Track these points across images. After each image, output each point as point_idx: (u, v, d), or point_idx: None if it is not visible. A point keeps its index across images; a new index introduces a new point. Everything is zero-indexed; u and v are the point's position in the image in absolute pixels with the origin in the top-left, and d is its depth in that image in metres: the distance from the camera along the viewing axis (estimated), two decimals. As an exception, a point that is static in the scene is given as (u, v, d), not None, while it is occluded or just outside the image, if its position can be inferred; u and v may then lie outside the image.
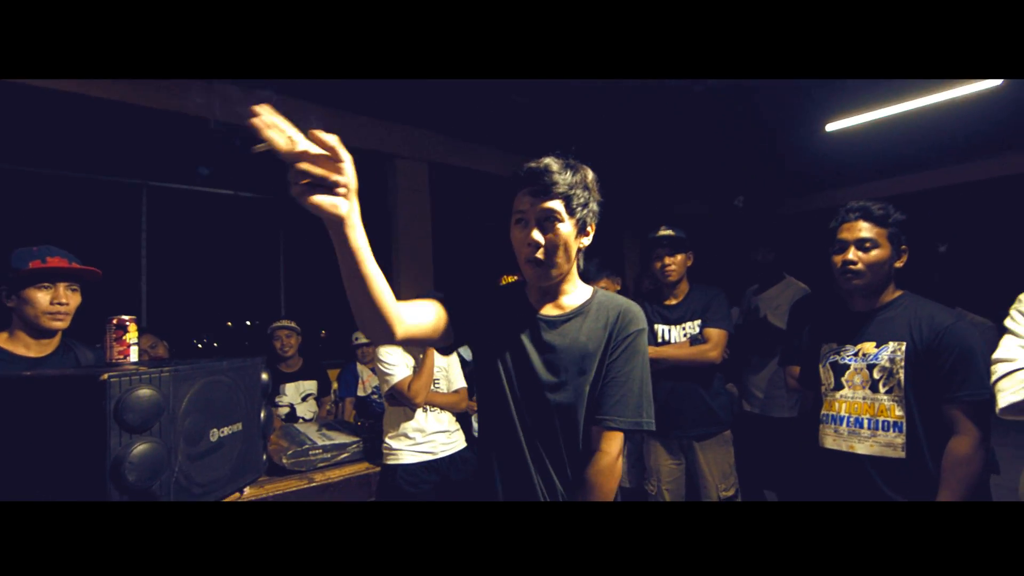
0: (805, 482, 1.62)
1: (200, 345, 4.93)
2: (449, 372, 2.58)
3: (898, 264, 1.49)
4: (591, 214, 1.13)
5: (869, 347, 1.47)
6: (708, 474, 2.31)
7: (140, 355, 1.61)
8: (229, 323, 4.95)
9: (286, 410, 3.35)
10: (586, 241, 1.15)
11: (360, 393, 3.85)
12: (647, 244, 2.43)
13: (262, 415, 1.71)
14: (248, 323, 4.64)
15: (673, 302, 2.43)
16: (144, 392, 1.25)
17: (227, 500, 1.64)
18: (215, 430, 1.44)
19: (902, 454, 1.38)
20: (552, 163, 1.08)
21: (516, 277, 2.93)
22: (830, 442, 1.50)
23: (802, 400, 1.89)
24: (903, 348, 1.41)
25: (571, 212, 1.08)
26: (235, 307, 4.36)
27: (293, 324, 3.44)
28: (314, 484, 2.20)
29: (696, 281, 2.46)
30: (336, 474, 2.32)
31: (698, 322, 2.36)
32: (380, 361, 2.41)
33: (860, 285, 1.47)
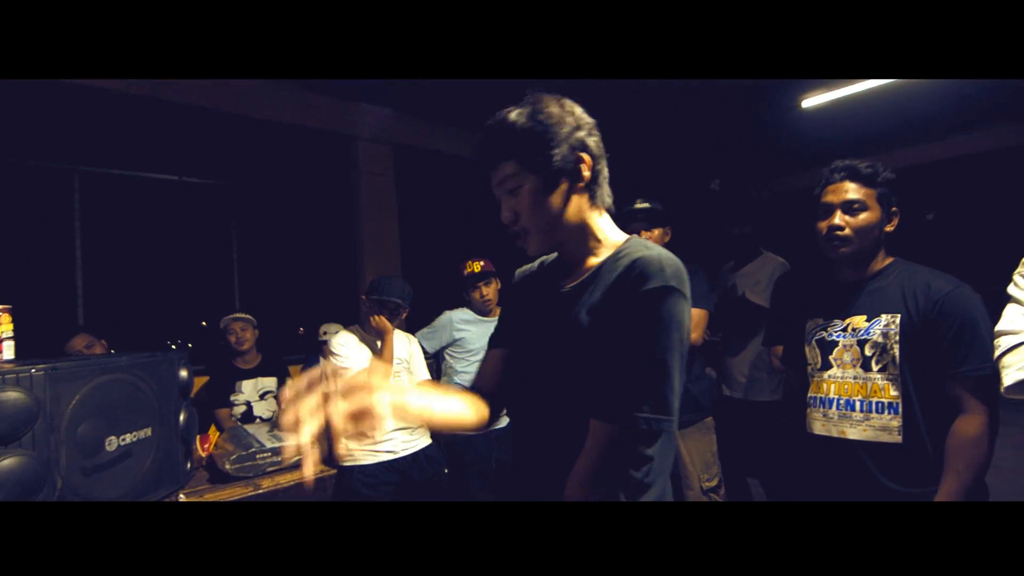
0: (792, 471, 1.47)
1: (174, 347, 4.65)
2: (411, 363, 2.40)
3: (888, 228, 1.35)
4: (567, 148, 0.88)
5: (859, 321, 1.32)
6: (690, 464, 2.18)
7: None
8: (204, 323, 4.68)
9: (242, 409, 3.14)
10: (580, 182, 0.90)
11: (324, 389, 3.66)
12: (621, 218, 2.26)
13: (181, 417, 1.51)
14: (204, 323, 4.37)
15: (648, 281, 2.27)
16: (9, 395, 1.04)
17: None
18: (114, 438, 1.24)
19: (898, 438, 1.23)
20: (492, 122, 0.90)
21: (481, 263, 2.77)
22: (819, 427, 1.35)
23: (785, 382, 1.75)
24: (897, 320, 1.26)
25: (529, 166, 0.87)
26: (185, 303, 4.09)
27: (248, 316, 3.22)
28: (261, 491, 2.00)
29: None
30: (286, 479, 2.12)
31: (675, 302, 2.20)
32: (333, 354, 2.22)
33: (848, 252, 1.33)
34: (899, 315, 1.26)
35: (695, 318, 2.15)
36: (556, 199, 0.89)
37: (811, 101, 4.63)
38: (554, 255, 1.06)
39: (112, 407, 1.24)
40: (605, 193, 0.96)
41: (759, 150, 6.06)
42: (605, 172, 0.95)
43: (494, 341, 1.09)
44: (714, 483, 2.20)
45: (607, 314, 0.85)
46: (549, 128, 0.87)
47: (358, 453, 2.16)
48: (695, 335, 2.13)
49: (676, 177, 6.26)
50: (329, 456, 2.25)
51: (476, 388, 1.06)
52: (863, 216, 1.31)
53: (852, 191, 1.31)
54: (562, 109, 0.90)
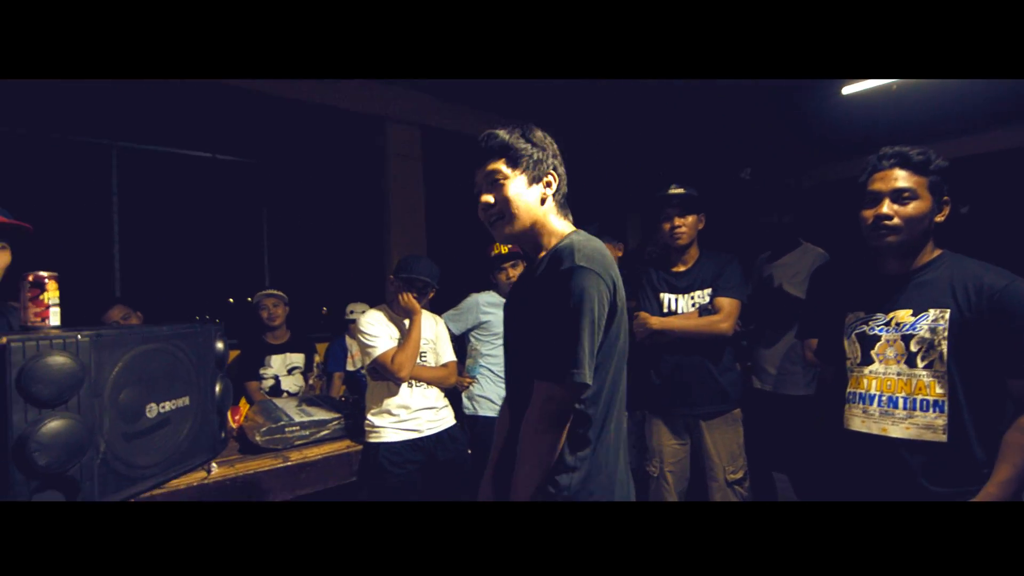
0: (825, 467, 1.44)
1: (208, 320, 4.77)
2: (437, 345, 2.41)
3: (939, 219, 1.28)
4: (545, 164, 1.14)
5: (904, 315, 1.27)
6: (715, 456, 2.15)
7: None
8: (231, 299, 4.78)
9: (271, 383, 3.21)
10: (549, 190, 1.15)
11: (349, 368, 3.71)
12: (655, 204, 2.22)
13: (217, 388, 1.55)
14: (231, 299, 4.45)
15: (681, 269, 2.24)
16: (57, 360, 1.07)
17: (192, 481, 1.48)
18: (154, 405, 1.27)
19: (943, 437, 1.18)
20: (491, 131, 1.13)
21: (508, 246, 2.76)
22: (858, 423, 1.30)
23: (820, 376, 1.70)
24: (946, 316, 1.21)
25: (514, 165, 1.11)
26: (216, 278, 4.17)
27: (280, 293, 3.29)
28: (289, 463, 2.04)
29: (707, 248, 2.26)
30: (314, 452, 2.16)
31: (708, 291, 2.17)
32: (362, 332, 2.24)
33: (895, 243, 1.26)
34: (948, 310, 1.21)
35: (728, 307, 2.11)
36: (529, 194, 1.12)
37: (852, 88, 4.46)
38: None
39: (153, 375, 1.27)
40: (561, 204, 1.19)
41: (799, 138, 5.88)
42: (564, 190, 1.19)
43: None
44: (739, 475, 2.17)
45: (541, 293, 1.06)
46: (536, 144, 1.14)
47: (383, 430, 2.18)
48: (727, 324, 2.10)
49: (712, 166, 6.13)
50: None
51: None
52: (913, 205, 1.25)
53: (902, 179, 1.25)
54: (547, 138, 1.16)
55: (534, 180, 1.12)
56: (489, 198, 1.12)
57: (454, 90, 4.25)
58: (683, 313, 2.19)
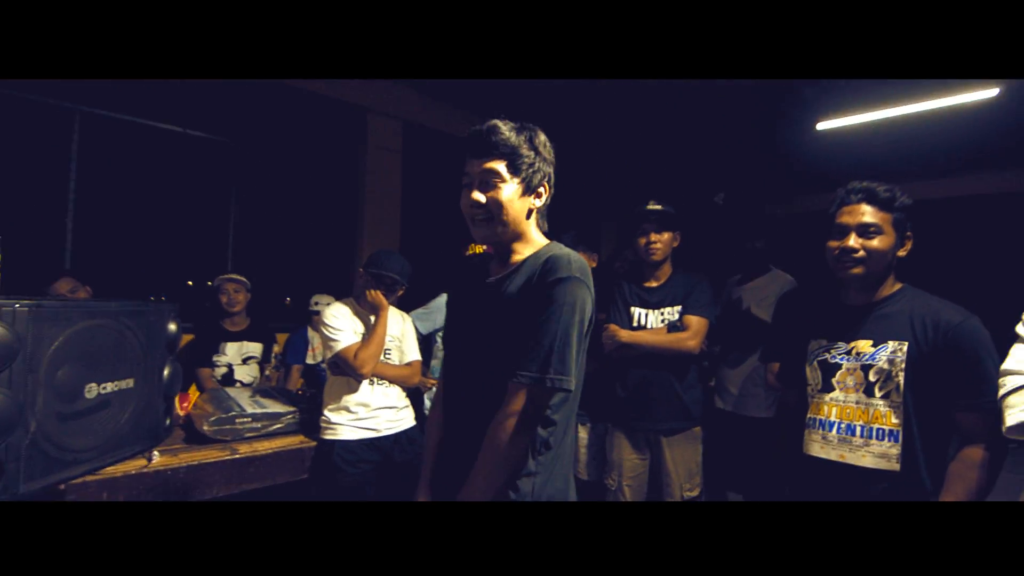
0: (784, 489, 1.46)
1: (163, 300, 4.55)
2: (403, 343, 2.36)
3: (901, 253, 1.33)
4: (541, 175, 1.12)
5: (864, 345, 1.30)
6: (673, 472, 2.16)
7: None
8: (190, 282, 4.58)
9: (224, 371, 3.08)
10: (538, 202, 1.14)
11: (309, 360, 3.61)
12: (632, 219, 2.23)
13: (166, 372, 1.46)
14: (190, 282, 4.27)
15: (653, 284, 2.25)
16: (-11, 330, 1.00)
17: (131, 469, 1.39)
18: (94, 385, 1.19)
19: (897, 466, 1.22)
20: (497, 124, 1.08)
21: (484, 247, 2.73)
22: (817, 449, 1.33)
23: (780, 400, 1.73)
24: (904, 348, 1.25)
25: (515, 171, 1.08)
26: (176, 258, 3.99)
27: (243, 278, 3.17)
28: (237, 456, 1.95)
29: (680, 266, 2.28)
30: (264, 447, 2.07)
31: (678, 308, 2.19)
32: (325, 325, 2.17)
33: (859, 275, 1.31)
34: (907, 343, 1.25)
35: (695, 325, 2.14)
36: (520, 203, 1.10)
37: (826, 124, 4.61)
38: (485, 255, 1.28)
39: (96, 353, 1.20)
40: (543, 215, 1.19)
41: (774, 168, 6.05)
42: (549, 202, 1.18)
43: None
44: (695, 493, 2.19)
45: (522, 298, 1.05)
46: (539, 154, 1.11)
47: (340, 427, 2.12)
48: (694, 342, 2.12)
49: (689, 188, 6.25)
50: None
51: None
52: (878, 240, 1.29)
53: (869, 214, 1.30)
54: (548, 146, 1.14)
55: (528, 190, 1.10)
56: (480, 197, 1.08)
57: (439, 87, 4.21)
58: (652, 328, 2.20)
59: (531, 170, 1.09)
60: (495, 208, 1.07)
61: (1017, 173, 5.56)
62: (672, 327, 2.17)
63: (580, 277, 1.02)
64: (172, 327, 1.46)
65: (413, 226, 4.40)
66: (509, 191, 1.08)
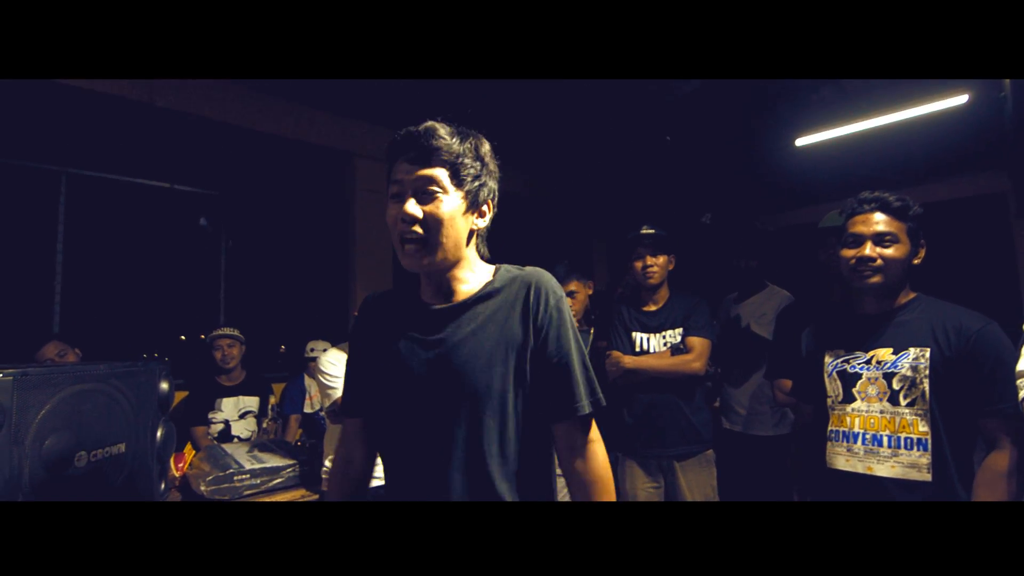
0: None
1: (154, 358, 4.44)
2: (402, 385, 2.30)
3: (916, 261, 1.32)
4: (487, 191, 0.97)
5: (884, 354, 1.28)
6: (689, 497, 2.09)
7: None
8: (183, 336, 4.50)
9: (220, 427, 2.99)
10: (481, 223, 0.98)
11: (307, 410, 3.52)
12: (627, 244, 2.23)
13: (159, 433, 1.40)
14: (183, 337, 4.19)
15: (652, 308, 2.23)
16: (-29, 401, 0.94)
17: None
18: (84, 453, 1.13)
19: (928, 476, 1.17)
20: (436, 126, 0.91)
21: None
22: (842, 462, 1.28)
23: (797, 416, 1.69)
24: (927, 355, 1.22)
25: (458, 183, 0.91)
26: (168, 314, 3.93)
27: (236, 332, 3.12)
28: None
29: (676, 288, 2.27)
30: (264, 502, 1.99)
31: (679, 330, 2.16)
32: (322, 372, 2.11)
33: (877, 284, 1.29)
34: (929, 349, 1.23)
35: (699, 347, 2.11)
36: (463, 222, 0.93)
37: (804, 140, 4.71)
38: (405, 287, 1.06)
39: (84, 419, 1.14)
40: (484, 239, 1.02)
41: (758, 185, 6.15)
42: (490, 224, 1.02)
43: (351, 410, 1.05)
44: (714, 520, 2.11)
45: (522, 328, 0.92)
46: (486, 165, 0.96)
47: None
48: (699, 364, 2.09)
49: (676, 210, 6.32)
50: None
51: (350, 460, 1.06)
52: (894, 248, 1.29)
53: (883, 223, 1.29)
54: (494, 159, 0.99)
55: (472, 207, 0.94)
56: (416, 210, 0.88)
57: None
58: (655, 352, 2.17)
59: (477, 183, 0.93)
60: (433, 226, 0.89)
61: (992, 175, 5.69)
62: (675, 350, 2.14)
63: (563, 294, 0.98)
64: (164, 386, 1.40)
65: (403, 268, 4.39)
66: (452, 205, 0.90)
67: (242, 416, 3.05)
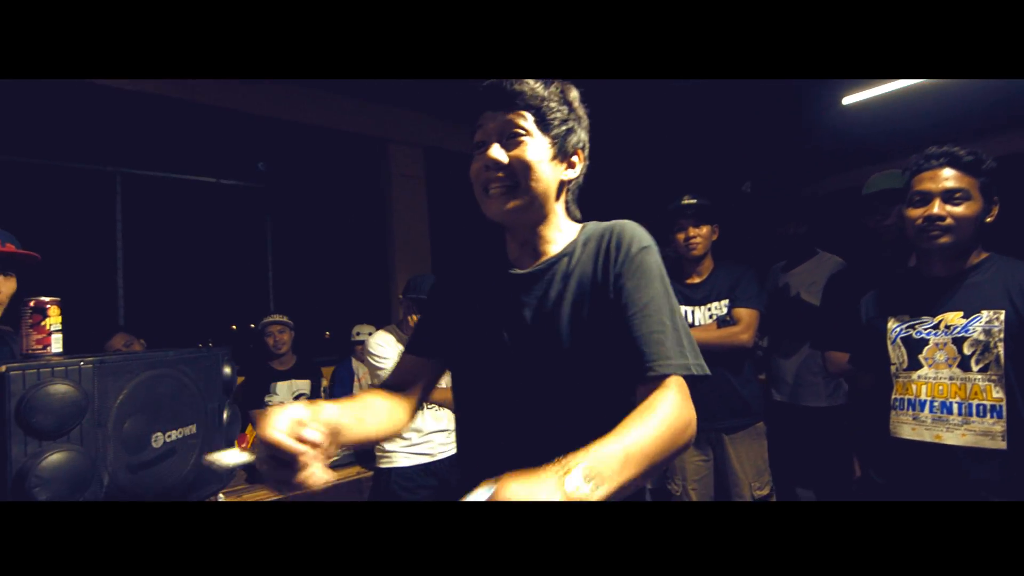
0: (867, 477, 1.36)
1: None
2: (448, 365, 2.34)
3: (989, 219, 1.24)
4: (576, 139, 0.89)
5: (954, 318, 1.21)
6: (740, 471, 2.07)
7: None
8: (234, 326, 4.71)
9: (276, 410, 3.13)
10: (571, 174, 0.90)
11: (356, 391, 3.64)
12: (669, 214, 2.18)
13: (225, 415, 1.47)
14: (233, 327, 4.37)
15: (696, 280, 2.18)
16: (59, 388, 1.01)
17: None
18: (159, 434, 1.20)
19: (1003, 444, 1.12)
20: (524, 80, 0.86)
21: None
22: (908, 431, 1.23)
23: (852, 386, 1.63)
24: (1001, 317, 1.15)
25: (545, 127, 0.84)
26: (220, 304, 4.11)
27: (285, 319, 3.24)
28: (297, 492, 1.95)
29: (720, 259, 2.21)
30: (323, 480, 2.08)
31: (725, 302, 2.11)
32: (371, 354, 2.18)
33: (948, 244, 1.21)
34: (1004, 311, 1.15)
35: (747, 318, 2.06)
36: (550, 169, 0.86)
37: (851, 98, 4.47)
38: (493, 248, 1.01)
39: (158, 403, 1.21)
40: (575, 197, 0.96)
41: (804, 148, 5.89)
42: (581, 181, 0.95)
43: (413, 348, 1.02)
44: (765, 491, 2.09)
45: (604, 284, 0.83)
46: (574, 111, 0.88)
47: (395, 455, 2.10)
48: (747, 336, 2.04)
49: (717, 179, 6.12)
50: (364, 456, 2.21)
51: (395, 388, 0.98)
52: (965, 205, 1.20)
53: (954, 179, 1.21)
54: (583, 107, 0.92)
55: (560, 154, 0.86)
56: (501, 155, 0.83)
57: (456, 112, 4.25)
58: (700, 325, 2.13)
59: (564, 127, 0.86)
60: (520, 170, 0.83)
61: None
62: (722, 322, 2.10)
63: (654, 244, 0.86)
64: (227, 370, 1.47)
65: (443, 248, 4.43)
66: (538, 149, 0.83)
67: (296, 398, 3.18)
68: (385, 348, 2.17)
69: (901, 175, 1.87)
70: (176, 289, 3.84)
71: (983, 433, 1.14)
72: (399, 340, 2.23)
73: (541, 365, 0.85)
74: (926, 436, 1.20)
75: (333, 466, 2.19)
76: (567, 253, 0.88)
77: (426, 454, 2.14)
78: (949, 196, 1.21)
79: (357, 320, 3.80)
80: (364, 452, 2.26)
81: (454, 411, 1.01)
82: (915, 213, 1.24)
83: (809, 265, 2.46)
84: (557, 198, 0.89)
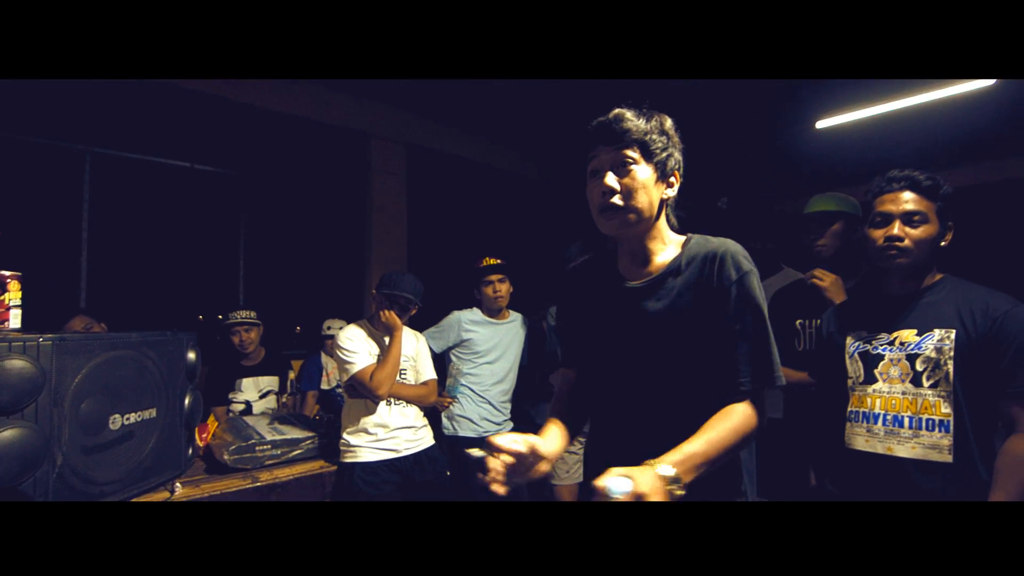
0: (822, 486, 1.41)
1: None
2: (417, 362, 2.33)
3: (943, 243, 1.30)
4: (674, 162, 1.05)
5: (908, 335, 1.26)
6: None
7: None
8: (200, 316, 4.58)
9: (241, 407, 3.04)
10: (670, 192, 1.05)
11: (324, 386, 3.58)
12: None
13: (187, 401, 1.44)
14: (200, 317, 4.25)
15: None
16: (15, 364, 0.97)
17: (152, 501, 1.36)
18: (118, 416, 1.17)
19: (948, 458, 1.17)
20: (624, 111, 1.02)
21: (499, 261, 2.71)
22: (862, 443, 1.28)
23: (816, 396, 1.69)
24: (952, 336, 1.21)
25: (648, 157, 1.01)
26: (188, 292, 4.00)
27: (251, 315, 3.10)
28: (258, 484, 1.92)
29: None
30: (285, 473, 2.04)
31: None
32: (340, 348, 2.15)
33: (906, 264, 1.27)
34: (954, 330, 1.21)
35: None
36: (655, 192, 1.02)
37: (825, 123, 4.63)
38: (601, 256, 1.17)
39: (118, 385, 1.18)
40: (673, 209, 1.11)
41: (777, 168, 6.06)
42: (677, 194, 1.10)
43: (567, 362, 1.22)
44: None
45: (705, 303, 0.97)
46: (671, 139, 1.05)
47: (359, 450, 2.08)
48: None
49: (694, 194, 6.23)
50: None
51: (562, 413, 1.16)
52: (923, 228, 1.26)
53: (913, 202, 1.27)
54: (676, 132, 1.07)
55: (662, 176, 1.03)
56: (614, 181, 0.99)
57: (439, 110, 4.25)
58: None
59: (664, 154, 1.03)
60: (630, 192, 0.99)
61: (1015, 161, 5.54)
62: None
63: (755, 268, 1.00)
64: (191, 356, 1.44)
65: (420, 246, 4.41)
66: (644, 175, 1.00)
67: (263, 396, 3.10)
68: (355, 343, 2.14)
69: (840, 198, 1.97)
70: (142, 274, 3.72)
71: (931, 447, 1.19)
72: (369, 335, 2.21)
73: (650, 369, 1.01)
74: (879, 448, 1.25)
75: (296, 460, 2.16)
76: (673, 270, 1.03)
77: (391, 450, 2.12)
78: (908, 218, 1.26)
79: (329, 315, 3.75)
80: (327, 446, 2.23)
81: (588, 414, 1.18)
82: (876, 233, 1.30)
83: (774, 280, 2.54)
84: (659, 214, 1.05)
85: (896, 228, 1.26)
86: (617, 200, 0.99)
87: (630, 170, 0.99)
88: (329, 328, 3.64)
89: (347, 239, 4.26)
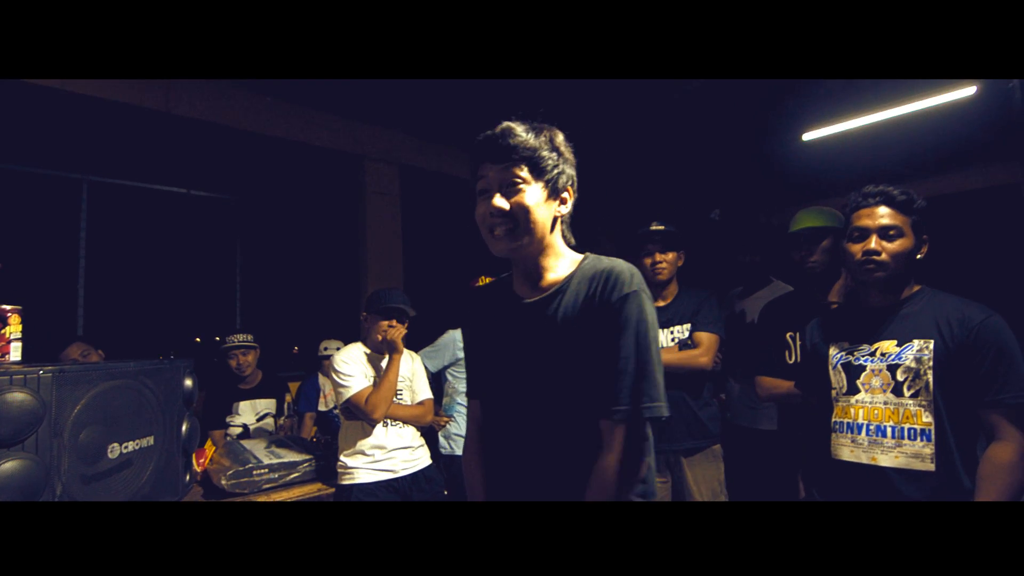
0: (811, 496, 1.43)
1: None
2: (413, 383, 2.35)
3: (919, 256, 1.34)
4: (566, 178, 1.02)
5: (888, 346, 1.30)
6: (696, 492, 2.12)
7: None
8: (198, 339, 4.59)
9: (239, 430, 3.04)
10: (563, 209, 1.04)
11: (322, 407, 3.58)
12: (635, 240, 2.26)
13: (184, 427, 1.46)
14: (197, 339, 4.27)
15: (661, 304, 2.26)
16: (16, 397, 1.00)
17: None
18: (116, 445, 1.19)
19: (931, 466, 1.19)
20: (512, 126, 0.98)
21: (491, 279, 2.74)
22: (846, 453, 1.31)
23: (803, 407, 1.71)
24: (931, 346, 1.24)
25: (538, 175, 0.98)
26: (185, 315, 4.02)
27: (248, 339, 3.11)
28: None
29: (684, 284, 2.30)
30: (283, 496, 2.05)
31: (687, 326, 2.19)
32: (336, 371, 2.17)
33: (883, 277, 1.31)
34: (932, 341, 1.24)
35: (707, 342, 2.13)
36: (546, 211, 0.99)
37: (811, 135, 4.70)
38: (503, 278, 1.14)
39: (116, 414, 1.20)
40: (568, 225, 1.08)
41: (765, 180, 6.14)
42: (571, 211, 1.07)
43: (472, 392, 1.16)
44: (723, 513, 2.14)
45: (583, 320, 0.96)
46: (562, 155, 1.01)
47: (357, 471, 2.09)
48: (706, 359, 2.11)
49: (685, 205, 6.31)
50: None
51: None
52: (899, 242, 1.30)
53: (888, 217, 1.30)
54: (568, 146, 1.04)
55: (553, 194, 1.00)
56: (503, 203, 0.96)
57: (431, 130, 4.31)
58: (663, 347, 2.20)
59: (555, 171, 0.99)
60: (520, 214, 0.95)
61: (1001, 167, 5.63)
62: (683, 345, 2.17)
63: (644, 289, 0.96)
64: (188, 383, 1.46)
65: (415, 266, 4.45)
66: (534, 195, 0.96)
67: (260, 419, 3.10)
68: (350, 365, 2.16)
69: (828, 213, 1.99)
70: (139, 299, 3.74)
71: (914, 455, 1.21)
72: (366, 357, 2.23)
73: (536, 385, 0.99)
74: (863, 458, 1.28)
75: (294, 483, 2.17)
76: (563, 288, 1.01)
77: (389, 471, 2.13)
78: (884, 232, 1.30)
79: (326, 335, 3.77)
80: (325, 469, 2.23)
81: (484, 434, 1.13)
82: (855, 248, 1.34)
83: (763, 293, 2.57)
84: (552, 231, 1.02)
85: (873, 242, 1.30)
86: (505, 223, 0.96)
87: (520, 190, 0.96)
88: (326, 349, 3.65)
89: (342, 260, 4.29)
